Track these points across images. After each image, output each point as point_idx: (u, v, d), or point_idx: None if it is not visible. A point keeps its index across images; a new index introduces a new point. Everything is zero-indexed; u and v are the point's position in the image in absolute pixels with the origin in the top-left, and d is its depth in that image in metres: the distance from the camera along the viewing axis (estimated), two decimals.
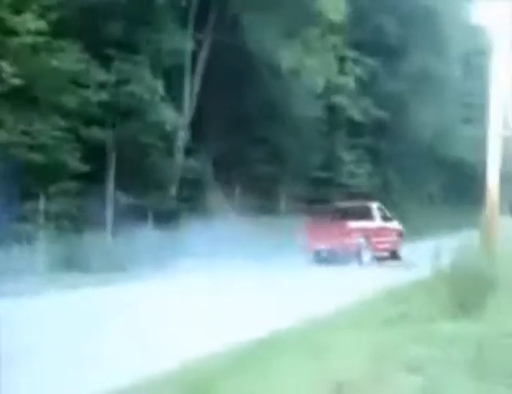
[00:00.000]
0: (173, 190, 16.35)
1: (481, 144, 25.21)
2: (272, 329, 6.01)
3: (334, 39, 20.03)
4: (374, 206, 16.70)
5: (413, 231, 20.51)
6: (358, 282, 11.00)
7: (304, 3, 17.08)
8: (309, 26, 18.01)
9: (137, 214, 13.72)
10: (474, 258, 7.99)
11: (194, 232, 13.61)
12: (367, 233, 15.50)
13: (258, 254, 13.48)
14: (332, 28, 19.08)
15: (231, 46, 16.20)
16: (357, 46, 22.66)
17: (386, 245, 16.71)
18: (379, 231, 16.13)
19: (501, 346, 5.33)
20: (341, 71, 21.64)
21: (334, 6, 17.60)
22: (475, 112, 28.11)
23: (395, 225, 17.37)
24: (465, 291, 7.40)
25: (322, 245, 14.93)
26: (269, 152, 19.32)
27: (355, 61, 22.83)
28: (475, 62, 29.86)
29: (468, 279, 7.58)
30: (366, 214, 16.20)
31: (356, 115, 23.52)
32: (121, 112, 14.37)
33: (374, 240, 15.73)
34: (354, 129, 24.17)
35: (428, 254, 7.86)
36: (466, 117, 31.39)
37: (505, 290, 7.84)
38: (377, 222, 16.33)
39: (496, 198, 8.87)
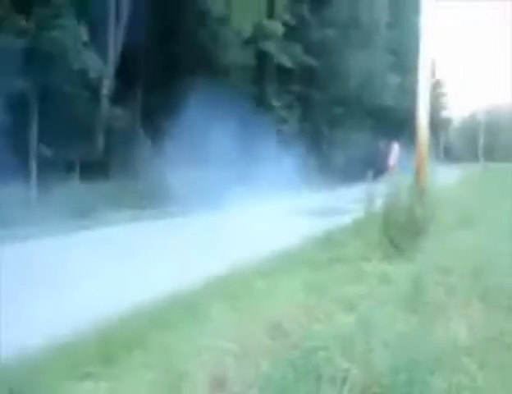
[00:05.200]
0: (100, 141, 15.89)
1: (407, 91, 25.73)
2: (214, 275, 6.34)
3: None
4: None
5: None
6: None
7: None
8: None
9: (63, 167, 13.29)
10: (405, 201, 8.30)
11: (121, 184, 13.38)
12: None
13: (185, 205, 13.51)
14: None
15: None
16: None
17: None
18: None
19: (432, 283, 5.67)
20: (270, 17, 21.38)
21: None
22: (401, 59, 28.77)
23: None
24: (398, 232, 7.74)
25: None
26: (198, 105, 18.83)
27: (284, 7, 22.59)
28: (402, 10, 30.33)
29: (400, 220, 7.92)
30: None
31: (285, 61, 23.39)
32: (43, 60, 13.61)
33: None
34: (284, 75, 24.12)
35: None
36: (392, 64, 31.93)
37: (435, 230, 8.24)
38: None
39: (426, 141, 9.19)
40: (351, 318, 4.57)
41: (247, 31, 18.02)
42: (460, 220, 10.35)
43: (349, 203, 13.64)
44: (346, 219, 10.96)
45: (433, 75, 45.35)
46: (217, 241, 8.99)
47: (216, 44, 17.80)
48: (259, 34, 20.30)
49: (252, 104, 21.95)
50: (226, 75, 19.04)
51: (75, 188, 13.47)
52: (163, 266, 7.25)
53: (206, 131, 15.49)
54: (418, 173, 9.27)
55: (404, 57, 29.76)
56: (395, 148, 22.76)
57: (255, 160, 18.28)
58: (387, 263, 6.84)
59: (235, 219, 11.85)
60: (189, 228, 11.31)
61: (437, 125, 40.93)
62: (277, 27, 21.83)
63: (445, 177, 18.79)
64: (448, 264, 6.45)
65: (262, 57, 22.33)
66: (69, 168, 13.72)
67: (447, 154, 63.10)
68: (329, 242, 8.65)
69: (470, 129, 74.11)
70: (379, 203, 8.84)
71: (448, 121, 67.24)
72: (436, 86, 50.86)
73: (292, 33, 22.99)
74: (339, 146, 27.06)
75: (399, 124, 29.80)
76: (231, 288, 5.83)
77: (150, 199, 13.78)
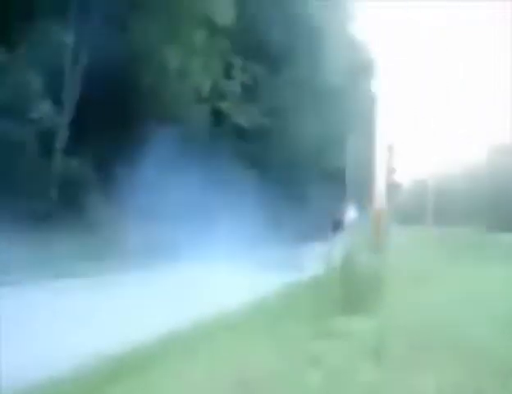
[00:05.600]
0: (52, 192, 15.45)
1: (362, 155, 26.26)
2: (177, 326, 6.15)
3: (221, 44, 20.04)
4: None
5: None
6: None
7: (191, 5, 16.90)
8: (195, 28, 17.81)
9: (12, 217, 12.77)
10: (363, 259, 8.33)
11: (71, 235, 12.98)
12: None
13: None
14: (219, 32, 19.07)
15: (116, 44, 15.63)
16: (243, 53, 22.80)
17: None
18: None
19: (396, 339, 5.58)
20: (228, 77, 21.72)
21: (221, 10, 17.61)
22: (356, 123, 29.61)
23: None
24: (356, 289, 7.69)
25: None
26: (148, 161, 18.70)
27: (241, 68, 23.00)
28: (357, 75, 31.44)
29: (358, 278, 7.89)
30: None
31: (242, 122, 23.62)
32: None
33: None
34: (240, 135, 24.30)
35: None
36: (348, 128, 32.79)
37: (392, 287, 8.24)
38: None
39: (382, 203, 9.30)
40: (318, 375, 4.46)
41: (205, 89, 18.19)
42: (414, 278, 10.48)
43: (306, 260, 13.59)
44: (304, 276, 10.86)
45: (386, 139, 46.41)
46: (172, 296, 8.78)
47: (173, 99, 17.84)
48: (216, 93, 20.54)
49: (207, 160, 22.00)
50: (182, 131, 19.04)
51: (24, 240, 12.94)
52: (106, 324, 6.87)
53: (161, 184, 15.36)
54: (374, 233, 9.36)
55: (358, 121, 30.72)
56: (351, 209, 23.02)
57: (209, 215, 18.16)
58: (348, 319, 6.76)
59: (192, 273, 11.64)
60: (144, 282, 10.97)
61: (389, 188, 41.72)
62: (235, 87, 22.18)
63: (398, 238, 19.10)
64: (409, 320, 6.46)
65: (218, 115, 22.50)
66: (19, 218, 13.19)
67: (398, 217, 64.32)
68: (288, 298, 8.55)
69: (420, 193, 76.26)
70: (337, 260, 8.86)
71: (399, 185, 68.83)
72: (388, 150, 52.42)
73: (249, 93, 23.36)
74: (296, 205, 27.20)
75: (354, 185, 30.27)
76: (191, 345, 5.60)
77: (104, 252, 13.37)
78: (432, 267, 12.83)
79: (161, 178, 15.51)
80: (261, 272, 12.93)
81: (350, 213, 23.58)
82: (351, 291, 7.72)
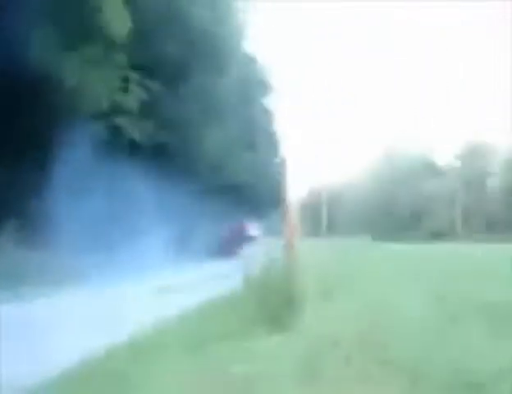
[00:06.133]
0: None
1: (261, 169, 26.59)
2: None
3: (118, 58, 19.36)
4: None
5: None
6: None
7: (85, 17, 16.16)
8: (91, 41, 17.07)
9: None
10: (279, 274, 8.19)
11: None
12: None
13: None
14: (115, 46, 18.42)
15: (10, 58, 14.55)
16: (139, 68, 22.26)
17: None
18: None
19: (326, 355, 5.39)
20: (124, 92, 21.06)
21: (117, 23, 17.02)
22: (254, 137, 29.90)
23: None
24: (274, 305, 7.49)
25: None
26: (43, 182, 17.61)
27: (138, 83, 22.43)
28: (251, 90, 31.83)
29: (274, 293, 7.71)
30: None
31: (137, 137, 23.01)
32: None
33: None
34: (137, 151, 23.63)
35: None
36: (246, 142, 33.02)
37: (310, 302, 8.14)
38: None
39: (294, 216, 9.22)
40: None
41: (102, 104, 17.46)
42: (325, 290, 10.50)
43: (212, 278, 13.35)
44: (215, 294, 10.59)
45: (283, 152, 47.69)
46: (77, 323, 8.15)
47: (66, 115, 16.93)
48: (113, 109, 19.83)
49: (103, 179, 21.11)
50: (77, 148, 18.11)
51: None
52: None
53: (62, 207, 14.52)
54: (288, 247, 9.26)
55: (256, 135, 31.06)
56: (255, 224, 23.19)
57: (104, 236, 17.39)
58: (270, 337, 6.51)
59: (99, 297, 11.03)
60: (44, 311, 10.17)
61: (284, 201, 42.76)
62: (132, 102, 21.56)
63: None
64: (333, 334, 6.32)
65: (114, 131, 21.73)
66: None
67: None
68: (203, 318, 8.12)
69: (314, 205, 78.76)
70: (251, 276, 8.68)
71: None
72: (282, 164, 53.58)
73: (145, 109, 22.81)
74: (195, 223, 26.88)
75: (257, 199, 30.50)
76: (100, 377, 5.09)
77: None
78: (338, 279, 13.10)
79: (61, 200, 14.66)
80: (168, 293, 12.49)
81: (254, 228, 23.74)
82: (268, 307, 7.55)
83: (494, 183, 73.20)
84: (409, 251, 34.01)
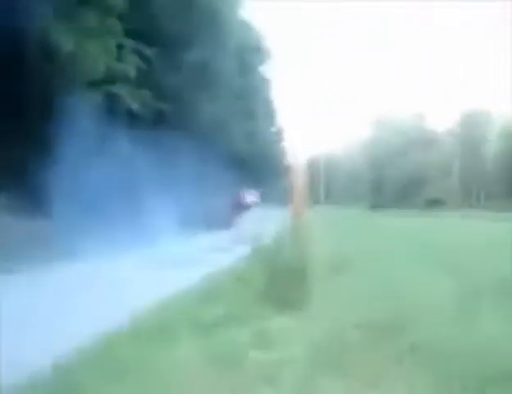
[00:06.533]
0: None
1: (259, 137, 26.21)
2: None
3: (114, 26, 18.76)
4: None
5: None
6: None
7: None
8: (86, 7, 16.48)
9: None
10: (287, 247, 7.98)
11: None
12: None
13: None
14: (112, 13, 17.84)
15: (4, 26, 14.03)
16: (136, 36, 21.67)
17: None
18: None
19: (347, 340, 5.21)
20: (120, 60, 20.52)
21: None
22: (252, 106, 29.43)
23: None
24: (284, 282, 7.26)
25: None
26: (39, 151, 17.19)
27: (134, 51, 21.87)
28: (249, 58, 31.27)
29: (283, 268, 7.47)
30: None
31: (135, 106, 22.55)
32: None
33: None
34: (134, 120, 23.20)
35: None
36: (244, 111, 32.54)
37: (319, 281, 7.93)
38: None
39: (302, 184, 8.97)
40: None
41: (97, 72, 16.97)
42: (335, 264, 10.28)
43: (213, 251, 13.23)
44: (219, 269, 10.39)
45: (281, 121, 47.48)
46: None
47: (63, 83, 16.45)
48: (109, 77, 19.33)
49: (101, 149, 20.72)
50: (74, 117, 17.67)
51: None
52: None
53: (58, 176, 14.17)
54: (296, 217, 9.03)
55: (255, 105, 30.59)
56: (253, 193, 22.95)
57: (103, 208, 17.10)
58: (286, 319, 6.30)
59: (101, 270, 10.87)
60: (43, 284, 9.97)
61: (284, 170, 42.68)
62: (128, 70, 21.04)
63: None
64: (349, 317, 6.11)
65: (111, 100, 21.25)
66: None
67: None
68: (212, 296, 7.84)
69: (312, 174, 78.58)
70: (259, 250, 8.47)
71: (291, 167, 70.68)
72: (279, 133, 53.22)
73: (143, 78, 22.30)
74: (196, 192, 26.58)
75: (257, 168, 30.20)
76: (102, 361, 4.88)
77: None
78: (345, 250, 12.93)
79: (53, 170, 14.28)
80: (174, 268, 12.27)
81: (253, 196, 23.52)
82: (279, 285, 7.31)
83: (490, 150, 72.95)
84: (410, 221, 34.02)
